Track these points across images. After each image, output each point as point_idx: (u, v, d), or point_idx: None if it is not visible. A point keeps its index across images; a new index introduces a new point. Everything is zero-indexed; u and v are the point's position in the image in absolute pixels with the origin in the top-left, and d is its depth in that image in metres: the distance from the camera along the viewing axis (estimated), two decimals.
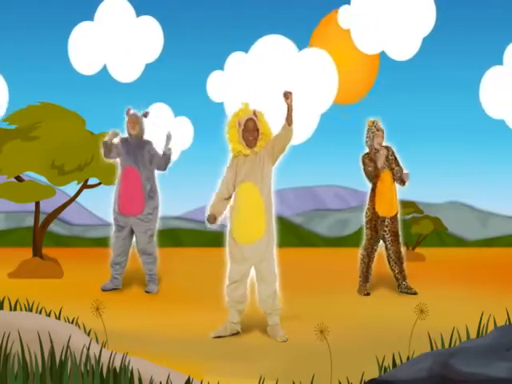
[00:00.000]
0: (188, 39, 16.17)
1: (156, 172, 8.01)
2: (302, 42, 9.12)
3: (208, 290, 6.85)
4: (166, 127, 8.59)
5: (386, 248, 8.02)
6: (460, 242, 19.10)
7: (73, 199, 9.58)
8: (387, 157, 8.02)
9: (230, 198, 5.66)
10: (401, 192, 8.17)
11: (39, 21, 16.36)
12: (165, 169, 8.01)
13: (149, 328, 5.92)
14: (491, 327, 4.62)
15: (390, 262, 8.04)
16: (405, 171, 8.04)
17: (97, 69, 9.68)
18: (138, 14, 9.67)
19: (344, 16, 8.75)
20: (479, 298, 7.60)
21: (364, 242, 8.07)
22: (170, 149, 7.93)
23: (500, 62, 9.51)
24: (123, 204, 7.81)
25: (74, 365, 3.94)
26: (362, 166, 8.08)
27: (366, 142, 8.06)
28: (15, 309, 5.60)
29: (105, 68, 9.68)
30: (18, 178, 9.30)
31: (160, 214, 8.04)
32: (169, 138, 7.95)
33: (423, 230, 13.99)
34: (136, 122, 7.83)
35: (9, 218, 18.40)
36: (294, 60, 8.93)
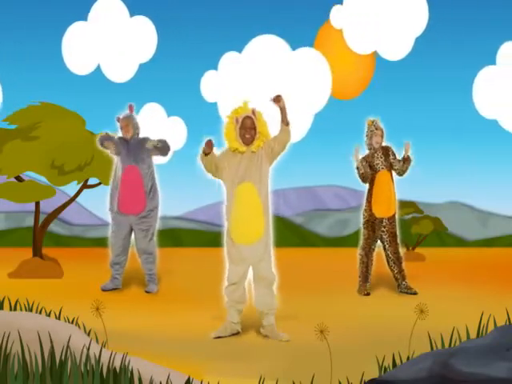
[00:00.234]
0: (182, 39, 16.20)
1: (156, 171, 8.01)
2: (295, 42, 9.13)
3: (208, 290, 6.85)
4: (159, 128, 8.57)
5: (384, 248, 8.02)
6: (460, 242, 19.11)
7: (73, 199, 9.58)
8: (387, 157, 8.00)
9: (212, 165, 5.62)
10: (401, 192, 8.16)
11: (33, 21, 16.37)
12: (166, 154, 7.98)
13: (149, 328, 5.92)
14: (491, 327, 4.62)
15: (388, 263, 8.04)
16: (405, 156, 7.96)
17: (90, 69, 9.68)
18: (132, 13, 9.68)
19: (336, 16, 8.75)
20: (479, 298, 7.60)
21: (362, 241, 8.07)
22: (160, 141, 7.90)
23: (493, 62, 9.52)
24: (123, 203, 7.81)
25: (73, 365, 3.94)
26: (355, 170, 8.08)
27: (366, 141, 8.07)
28: (15, 309, 5.60)
29: (99, 68, 9.69)
30: (18, 178, 9.30)
31: (160, 213, 8.04)
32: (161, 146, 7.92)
33: (423, 229, 14.00)
34: (128, 124, 7.82)
35: (9, 218, 18.40)
36: (288, 60, 8.94)
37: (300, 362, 4.80)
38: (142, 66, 9.72)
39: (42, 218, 9.52)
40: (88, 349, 4.02)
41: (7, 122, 9.39)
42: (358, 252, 8.08)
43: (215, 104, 9.26)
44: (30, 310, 5.58)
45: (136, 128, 7.89)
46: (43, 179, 9.24)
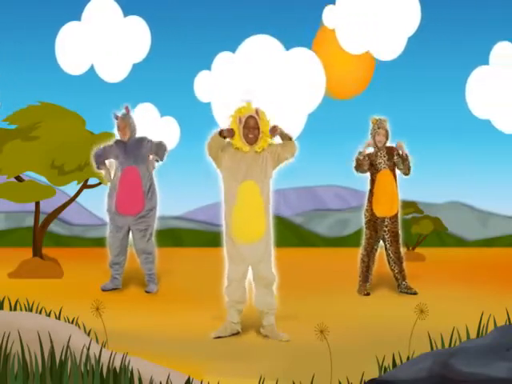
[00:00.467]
0: (175, 39, 16.19)
1: (154, 171, 8.00)
2: (289, 42, 9.13)
3: (208, 290, 6.85)
4: (152, 128, 8.57)
5: (386, 248, 8.01)
6: (460, 242, 19.10)
7: (73, 199, 9.58)
8: (391, 157, 7.97)
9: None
10: (401, 192, 8.14)
11: (27, 21, 16.35)
12: (162, 159, 7.99)
13: (149, 328, 5.92)
14: (491, 327, 4.62)
15: (389, 262, 8.03)
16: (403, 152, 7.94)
17: (84, 69, 9.68)
18: (126, 14, 9.67)
19: (329, 16, 8.75)
20: (479, 298, 7.60)
21: (364, 241, 8.06)
22: (159, 148, 7.92)
23: (486, 62, 9.53)
24: (122, 204, 7.81)
25: (73, 365, 3.94)
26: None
27: (370, 139, 8.02)
28: (15, 309, 5.60)
29: (92, 68, 9.69)
30: (18, 178, 9.30)
31: (159, 213, 8.04)
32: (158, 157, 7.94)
33: (423, 229, 13.99)
34: (125, 126, 7.82)
35: (9, 218, 18.40)
36: (282, 60, 8.95)
37: (300, 362, 4.80)
38: (135, 66, 9.73)
39: (42, 218, 9.52)
40: (88, 349, 4.02)
41: (7, 122, 9.40)
42: (360, 251, 8.07)
43: (209, 104, 9.28)
44: (30, 310, 5.58)
45: (133, 130, 7.89)
46: (43, 179, 9.24)
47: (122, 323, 5.83)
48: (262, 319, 5.66)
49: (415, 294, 7.90)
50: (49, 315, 5.24)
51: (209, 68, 9.29)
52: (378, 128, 7.96)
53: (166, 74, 15.99)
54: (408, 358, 4.13)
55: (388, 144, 8.05)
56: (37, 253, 9.31)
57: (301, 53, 9.04)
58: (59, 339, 4.09)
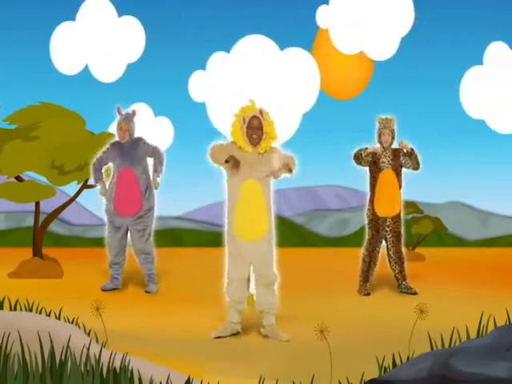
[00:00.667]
0: (170, 39, 16.17)
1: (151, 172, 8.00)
2: (283, 42, 9.12)
3: (208, 290, 6.85)
4: (146, 128, 8.55)
5: (387, 248, 8.00)
6: (460, 242, 19.08)
7: (73, 199, 9.57)
8: (397, 158, 7.95)
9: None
10: (403, 192, 8.13)
11: (21, 21, 16.32)
12: (162, 170, 7.98)
13: (149, 328, 5.92)
14: (491, 327, 4.62)
15: (390, 262, 8.03)
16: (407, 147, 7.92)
17: (78, 69, 9.68)
18: (120, 14, 9.66)
19: (322, 16, 8.74)
20: (479, 298, 7.60)
21: (365, 242, 8.05)
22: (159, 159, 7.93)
23: (480, 62, 9.53)
24: (119, 205, 7.81)
25: (73, 365, 3.94)
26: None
27: (376, 138, 8.01)
28: (15, 309, 5.60)
29: (86, 68, 9.69)
30: (18, 178, 9.30)
31: (158, 213, 8.04)
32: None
33: (423, 229, 13.99)
34: (127, 129, 7.82)
35: (9, 218, 18.38)
36: (276, 60, 8.95)
37: (300, 362, 4.80)
38: (130, 66, 9.72)
39: (42, 217, 9.51)
40: (88, 349, 4.03)
41: (7, 122, 9.39)
42: (361, 251, 8.06)
43: (203, 104, 9.27)
44: (30, 310, 5.58)
45: (132, 134, 7.89)
46: (43, 179, 9.24)
47: (122, 323, 5.83)
48: (262, 319, 5.66)
49: (415, 293, 7.89)
50: (49, 315, 5.24)
51: (203, 68, 9.28)
52: (383, 128, 7.94)
53: (161, 74, 15.99)
54: (408, 358, 4.13)
55: (394, 144, 8.02)
56: (37, 253, 9.31)
57: (295, 53, 9.05)
58: (59, 339, 4.09)
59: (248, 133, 5.55)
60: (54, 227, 15.91)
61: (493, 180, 17.56)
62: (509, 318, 5.10)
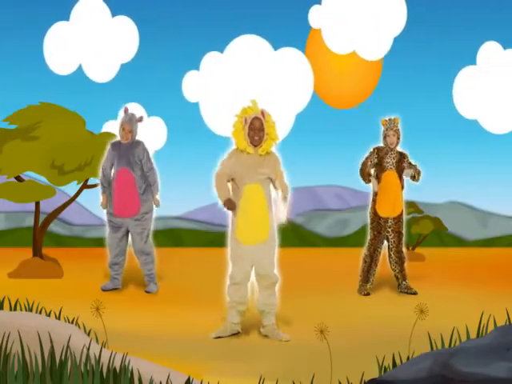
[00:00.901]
0: (163, 39, 16.16)
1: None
2: (277, 42, 9.14)
3: (208, 290, 6.86)
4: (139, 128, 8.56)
5: (388, 248, 8.00)
6: (460, 242, 19.08)
7: (73, 199, 9.57)
8: (401, 162, 7.96)
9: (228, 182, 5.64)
10: (403, 193, 8.12)
11: (14, 21, 16.29)
12: (157, 191, 7.97)
13: (149, 328, 5.92)
14: (491, 327, 4.62)
15: (390, 262, 8.03)
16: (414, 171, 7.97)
17: (72, 69, 9.69)
18: (114, 14, 9.68)
19: (315, 16, 8.74)
20: (479, 298, 7.60)
21: (367, 242, 8.04)
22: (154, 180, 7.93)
23: (473, 62, 9.55)
24: (118, 207, 7.81)
25: (74, 365, 3.94)
26: (360, 164, 8.01)
27: (382, 140, 8.00)
28: (15, 309, 5.60)
29: (80, 68, 9.69)
30: (18, 178, 9.30)
31: (158, 213, 8.04)
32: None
33: (423, 229, 13.99)
34: (130, 131, 7.81)
35: (9, 218, 18.37)
36: (270, 60, 8.96)
37: (300, 362, 4.80)
38: (123, 66, 9.73)
39: (42, 218, 9.51)
40: (88, 349, 4.02)
41: (7, 122, 9.39)
42: (363, 251, 8.05)
43: (197, 104, 9.29)
44: (30, 310, 5.58)
45: (134, 136, 7.88)
46: (43, 179, 9.23)
47: (122, 323, 5.83)
48: (262, 319, 5.67)
49: (415, 293, 7.89)
50: (49, 315, 5.24)
51: (197, 68, 9.30)
52: (387, 130, 7.93)
53: (154, 74, 15.99)
54: (408, 358, 4.12)
55: (399, 146, 8.01)
56: (37, 253, 9.31)
57: (289, 53, 9.06)
58: (59, 339, 4.09)
59: (250, 134, 5.55)
60: (54, 227, 15.91)
61: (493, 180, 17.55)
62: (509, 318, 5.10)
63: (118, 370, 3.88)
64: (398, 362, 4.23)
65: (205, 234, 18.08)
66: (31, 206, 9.62)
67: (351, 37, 8.56)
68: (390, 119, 7.95)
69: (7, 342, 4.07)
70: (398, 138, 7.95)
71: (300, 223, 20.17)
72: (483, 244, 18.98)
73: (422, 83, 16.79)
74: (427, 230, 14.03)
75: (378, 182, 7.95)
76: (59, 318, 5.22)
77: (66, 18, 9.64)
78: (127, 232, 7.89)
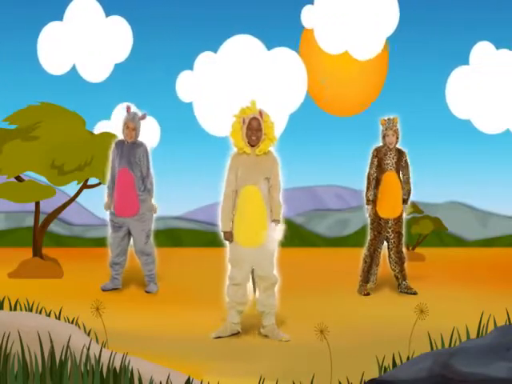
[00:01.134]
0: (157, 39, 16.15)
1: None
2: (270, 42, 9.15)
3: (208, 290, 6.86)
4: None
5: (388, 248, 8.00)
6: (460, 242, 19.07)
7: (73, 199, 9.57)
8: (400, 161, 7.96)
9: (235, 199, 5.65)
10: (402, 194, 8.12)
11: (8, 21, 16.27)
12: (152, 196, 7.96)
13: (149, 328, 5.92)
14: (491, 327, 4.62)
15: (390, 262, 8.03)
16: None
17: (66, 69, 9.69)
18: (107, 14, 9.68)
19: (307, 16, 8.74)
20: (479, 298, 7.60)
21: (367, 242, 8.04)
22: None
23: (466, 62, 9.56)
24: (118, 206, 7.81)
25: (74, 365, 3.94)
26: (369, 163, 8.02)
27: (381, 140, 8.00)
28: (15, 309, 5.60)
29: (74, 68, 9.69)
30: (18, 178, 9.30)
31: (158, 213, 8.03)
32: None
33: (423, 229, 13.98)
34: (134, 129, 7.81)
35: (9, 218, 18.36)
36: (263, 60, 8.96)
37: (300, 362, 4.80)
38: (117, 66, 9.73)
39: (42, 218, 9.51)
40: (88, 349, 4.02)
41: (7, 122, 9.39)
42: (363, 251, 8.05)
43: (190, 104, 9.29)
44: (30, 310, 5.58)
45: (138, 134, 7.88)
46: (43, 179, 9.23)
47: (122, 323, 5.83)
48: (262, 319, 5.67)
49: (415, 294, 7.90)
50: (49, 315, 5.24)
51: (191, 68, 9.31)
52: (386, 129, 7.93)
53: (148, 74, 15.98)
54: (408, 358, 4.12)
55: (398, 145, 8.01)
56: (37, 253, 9.31)
57: (282, 52, 9.06)
58: (59, 339, 4.09)
59: (247, 134, 5.56)
60: (54, 227, 15.90)
61: (492, 180, 17.54)
62: (509, 318, 5.10)
63: (118, 370, 3.88)
64: (398, 361, 4.23)
65: (205, 234, 18.07)
66: (31, 206, 9.62)
67: (343, 37, 8.56)
68: (389, 119, 7.95)
69: (7, 342, 4.07)
70: (397, 138, 7.95)
71: (300, 223, 20.16)
72: (483, 244, 18.97)
73: (415, 83, 16.78)
74: (427, 230, 14.03)
75: (378, 183, 7.96)
76: (59, 318, 5.22)
77: (60, 18, 9.65)
78: (129, 232, 7.89)
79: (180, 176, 15.77)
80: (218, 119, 8.91)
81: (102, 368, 3.91)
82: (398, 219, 7.98)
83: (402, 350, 4.34)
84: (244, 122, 5.57)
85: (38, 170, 9.13)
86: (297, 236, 19.31)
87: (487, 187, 17.59)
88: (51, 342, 4.06)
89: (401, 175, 8.01)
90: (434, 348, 4.52)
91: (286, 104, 8.88)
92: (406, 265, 8.06)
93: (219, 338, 5.58)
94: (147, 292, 7.88)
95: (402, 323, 4.99)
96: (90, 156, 9.00)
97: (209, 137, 9.40)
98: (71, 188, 9.34)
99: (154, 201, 7.93)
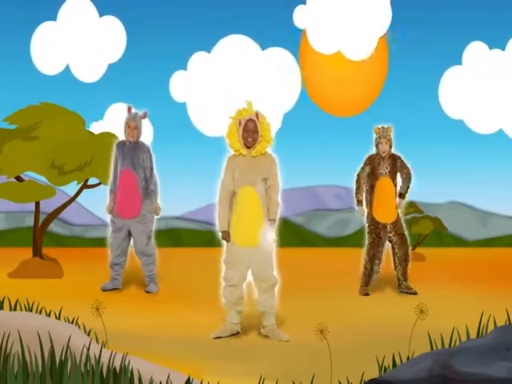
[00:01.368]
0: (151, 39, 16.15)
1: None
2: (264, 42, 9.15)
3: (208, 290, 6.84)
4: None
5: (394, 250, 8.00)
6: (460, 242, 19.07)
7: (73, 199, 9.57)
8: (394, 166, 7.97)
9: (232, 200, 5.66)
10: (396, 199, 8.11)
11: (0, 21, 16.26)
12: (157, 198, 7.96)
13: (149, 328, 5.92)
14: (491, 327, 4.62)
15: (395, 263, 8.04)
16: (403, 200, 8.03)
17: (59, 69, 9.69)
18: (101, 14, 9.68)
19: (300, 16, 8.73)
20: (479, 298, 7.60)
21: (366, 246, 8.03)
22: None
23: (459, 62, 9.57)
24: (120, 207, 7.80)
25: (74, 365, 3.94)
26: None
27: (374, 148, 8.02)
28: (15, 309, 5.60)
29: (68, 68, 9.69)
30: (18, 178, 9.30)
31: (158, 215, 8.03)
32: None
33: (423, 229, 13.98)
34: (136, 128, 7.81)
35: (9, 218, 18.37)
36: (257, 60, 8.96)
37: (300, 362, 4.80)
38: (111, 66, 9.73)
39: (42, 218, 9.51)
40: (88, 349, 4.02)
41: (7, 122, 9.39)
42: (363, 255, 8.04)
43: (184, 104, 9.29)
44: (30, 310, 5.58)
45: (140, 134, 7.88)
46: (43, 179, 9.23)
47: (122, 323, 5.83)
48: (262, 320, 5.67)
49: (415, 294, 7.90)
50: (49, 315, 5.24)
51: (184, 68, 9.31)
52: (379, 138, 7.95)
53: (142, 74, 15.97)
54: (408, 358, 4.12)
55: (392, 152, 8.02)
56: (37, 253, 9.31)
57: (276, 52, 9.06)
58: (59, 339, 4.09)
59: (244, 135, 5.56)
60: (54, 227, 15.90)
61: (492, 180, 17.55)
62: (509, 318, 5.10)
63: (118, 370, 3.88)
64: (398, 362, 4.23)
65: (205, 234, 18.06)
66: (31, 206, 9.62)
67: (336, 37, 8.55)
68: (383, 127, 7.97)
69: (7, 342, 4.07)
70: (390, 147, 7.99)
71: (300, 223, 20.17)
72: (483, 244, 18.97)
73: (407, 83, 16.78)
74: (427, 230, 14.03)
75: (373, 190, 7.97)
76: (59, 318, 5.22)
77: (54, 18, 9.65)
78: (129, 233, 7.89)
79: (180, 176, 15.77)
80: (211, 119, 8.94)
81: (101, 368, 3.91)
82: (396, 223, 7.98)
83: (402, 350, 4.35)
84: (240, 123, 5.57)
85: (38, 170, 9.14)
86: (297, 236, 19.31)
87: (487, 187, 17.59)
88: (51, 342, 4.06)
89: (398, 177, 8.01)
90: (434, 348, 4.52)
91: (280, 104, 8.88)
92: (409, 266, 8.07)
93: (219, 338, 5.58)
94: (147, 292, 7.88)
95: (402, 323, 4.99)
96: (90, 156, 9.00)
97: (202, 137, 9.41)
98: (71, 188, 9.35)
99: (159, 201, 7.92)
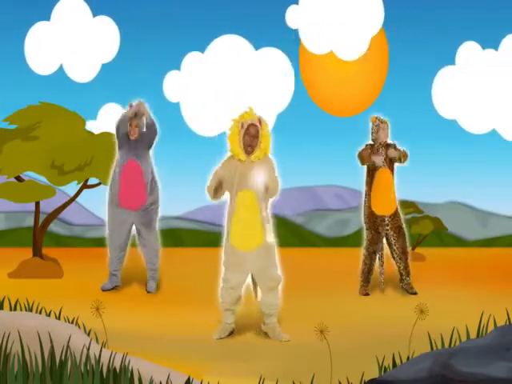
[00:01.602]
0: (144, 39, 16.14)
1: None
2: (258, 42, 9.16)
3: (208, 290, 6.84)
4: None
5: (390, 244, 7.98)
6: (460, 242, 19.06)
7: (73, 199, 9.57)
8: (388, 153, 7.96)
9: (219, 192, 5.65)
10: (401, 192, 8.12)
11: None
12: (151, 144, 7.92)
13: (149, 328, 5.92)
14: (491, 327, 4.62)
15: (394, 258, 8.01)
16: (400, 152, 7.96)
17: (53, 69, 9.69)
18: (95, 14, 9.68)
19: (292, 16, 8.72)
20: (479, 298, 7.60)
21: (365, 242, 8.03)
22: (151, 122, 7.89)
23: (452, 62, 9.57)
24: (124, 198, 7.79)
25: (74, 365, 3.94)
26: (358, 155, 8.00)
27: (372, 138, 7.98)
28: (15, 309, 5.60)
29: (61, 68, 9.69)
30: (18, 178, 9.30)
31: (160, 207, 8.03)
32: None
33: (423, 229, 13.97)
34: (137, 126, 7.81)
35: (9, 218, 18.36)
36: (251, 60, 8.96)
37: (300, 362, 4.80)
38: (104, 66, 9.73)
39: (42, 218, 9.51)
40: (88, 349, 4.03)
41: (7, 122, 9.40)
42: (362, 252, 8.04)
43: (178, 104, 9.30)
44: (30, 310, 5.58)
45: (141, 131, 7.88)
46: (43, 179, 9.24)
47: (122, 323, 5.83)
48: (264, 317, 5.67)
49: (415, 294, 7.89)
50: (49, 315, 5.24)
51: (178, 68, 9.31)
52: (382, 123, 7.93)
53: (135, 74, 15.95)
54: (408, 358, 4.13)
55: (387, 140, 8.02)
56: (37, 253, 9.31)
57: (270, 52, 9.07)
58: (59, 339, 4.09)
59: (245, 139, 5.56)
60: (54, 227, 15.90)
61: (492, 180, 17.54)
62: (509, 318, 5.10)
63: (118, 370, 3.88)
64: (398, 362, 4.23)
65: (205, 234, 18.07)
66: (31, 206, 9.62)
67: (328, 37, 8.54)
68: (378, 117, 7.97)
69: (7, 342, 4.08)
70: (387, 136, 7.97)
71: (300, 223, 20.17)
72: (483, 244, 18.97)
73: (401, 83, 16.76)
74: (427, 230, 14.02)
75: (371, 180, 7.94)
76: (59, 318, 5.23)
77: (47, 17, 9.65)
78: (131, 227, 7.88)
79: (179, 176, 15.76)
80: (205, 119, 8.95)
81: (102, 368, 3.91)
82: (394, 215, 7.96)
83: (402, 350, 4.35)
84: (242, 126, 5.57)
85: (38, 170, 9.14)
86: (297, 236, 19.31)
87: (487, 187, 17.59)
88: (51, 342, 4.06)
89: (390, 156, 7.94)
90: (434, 348, 4.53)
91: (273, 104, 8.89)
92: (409, 261, 8.06)
93: (221, 338, 5.59)
94: (148, 292, 7.87)
95: (402, 323, 4.99)
96: (90, 156, 9.00)
97: (196, 137, 9.42)
98: (71, 188, 9.35)
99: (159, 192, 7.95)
